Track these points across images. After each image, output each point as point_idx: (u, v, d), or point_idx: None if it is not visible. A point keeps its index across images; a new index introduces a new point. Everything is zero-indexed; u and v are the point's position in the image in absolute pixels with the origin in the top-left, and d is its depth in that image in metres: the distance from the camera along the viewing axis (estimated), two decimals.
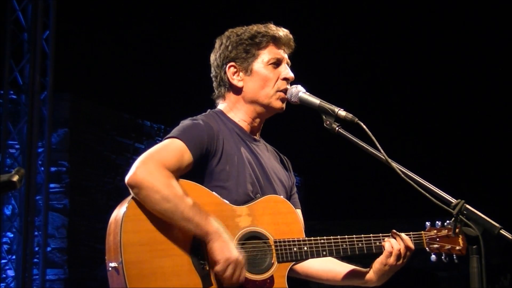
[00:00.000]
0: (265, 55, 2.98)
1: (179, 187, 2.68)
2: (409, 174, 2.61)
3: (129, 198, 2.68)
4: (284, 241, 2.83)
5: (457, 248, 2.93)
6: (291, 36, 3.04)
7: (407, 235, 2.93)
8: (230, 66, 2.98)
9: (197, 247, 2.69)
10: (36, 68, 7.68)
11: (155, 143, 2.82)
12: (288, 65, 3.02)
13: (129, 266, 2.59)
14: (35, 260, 7.72)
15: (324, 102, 2.86)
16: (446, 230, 2.95)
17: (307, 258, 2.89)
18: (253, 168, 2.93)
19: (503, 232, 2.39)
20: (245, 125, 3.00)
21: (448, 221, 2.94)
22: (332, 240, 2.89)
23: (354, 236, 2.92)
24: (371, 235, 2.93)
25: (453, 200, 2.47)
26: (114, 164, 9.01)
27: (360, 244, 2.91)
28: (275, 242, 2.82)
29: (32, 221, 7.55)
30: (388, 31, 10.40)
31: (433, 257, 2.96)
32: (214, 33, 3.09)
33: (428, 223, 2.99)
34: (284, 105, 3.00)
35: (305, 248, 2.85)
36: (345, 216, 11.70)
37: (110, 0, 8.82)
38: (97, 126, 8.83)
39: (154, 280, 2.61)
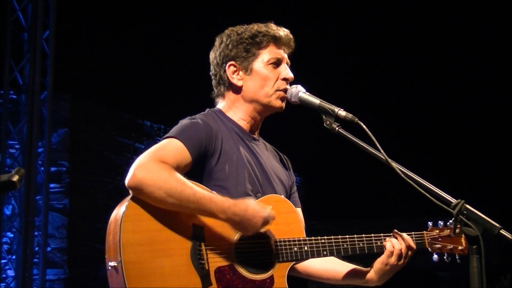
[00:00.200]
0: (266, 54, 2.98)
1: (180, 176, 2.66)
2: (409, 174, 2.60)
3: (129, 197, 2.67)
4: (285, 241, 2.83)
5: (459, 248, 2.92)
6: (291, 36, 3.04)
7: (408, 235, 2.93)
8: (230, 65, 2.98)
9: (196, 246, 2.69)
10: (36, 68, 7.69)
11: (155, 143, 2.81)
12: (288, 65, 3.02)
13: (128, 266, 2.58)
14: (35, 260, 7.73)
15: (324, 102, 2.85)
16: (448, 230, 2.93)
17: (307, 258, 2.89)
18: (253, 167, 2.93)
19: (503, 232, 2.39)
20: (244, 124, 3.00)
21: (450, 221, 2.93)
22: (333, 240, 2.88)
23: (355, 235, 2.91)
24: (372, 234, 2.92)
25: (453, 200, 2.46)
26: (114, 164, 9.01)
27: (361, 244, 2.91)
28: (276, 241, 2.82)
29: (32, 221, 7.55)
30: (388, 31, 10.40)
31: (435, 257, 2.95)
32: (214, 33, 3.09)
33: (430, 223, 2.98)
34: (283, 104, 3.00)
35: (306, 248, 2.85)
36: (345, 216, 11.71)
37: (110, 0, 8.82)
38: (97, 126, 8.83)
39: (153, 280, 2.61)
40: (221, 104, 3.03)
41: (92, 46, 8.91)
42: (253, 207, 2.71)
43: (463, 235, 2.81)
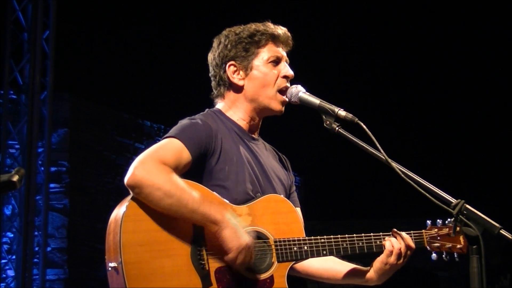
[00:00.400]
0: (265, 53, 2.98)
1: (180, 180, 2.67)
2: (409, 174, 2.60)
3: (129, 198, 2.67)
4: (284, 241, 2.83)
5: (458, 246, 2.93)
6: (289, 34, 3.05)
7: (407, 234, 2.93)
8: (230, 65, 2.98)
9: (197, 247, 2.69)
10: (36, 68, 7.69)
11: (155, 143, 2.81)
12: (287, 62, 3.03)
13: (128, 266, 2.58)
14: (35, 260, 7.72)
15: (324, 102, 2.86)
16: (447, 229, 2.94)
17: (307, 258, 2.89)
18: (252, 167, 2.93)
19: (503, 232, 2.39)
20: (243, 124, 3.00)
21: (449, 219, 2.94)
22: (333, 239, 2.89)
23: (355, 235, 2.91)
24: (371, 234, 2.92)
25: (453, 200, 2.47)
26: (114, 164, 9.01)
27: (360, 243, 2.91)
28: (275, 241, 2.82)
29: (32, 221, 7.55)
30: (388, 31, 10.40)
31: (434, 255, 2.96)
32: (213, 33, 3.09)
33: (429, 222, 2.99)
34: (283, 109, 3.00)
35: (305, 248, 2.85)
36: (345, 216, 11.69)
37: (110, 0, 8.82)
38: (97, 126, 8.83)
39: (153, 280, 2.61)
40: (220, 104, 3.04)
41: (92, 46, 8.92)
42: (245, 243, 2.68)
43: (461, 234, 2.82)
